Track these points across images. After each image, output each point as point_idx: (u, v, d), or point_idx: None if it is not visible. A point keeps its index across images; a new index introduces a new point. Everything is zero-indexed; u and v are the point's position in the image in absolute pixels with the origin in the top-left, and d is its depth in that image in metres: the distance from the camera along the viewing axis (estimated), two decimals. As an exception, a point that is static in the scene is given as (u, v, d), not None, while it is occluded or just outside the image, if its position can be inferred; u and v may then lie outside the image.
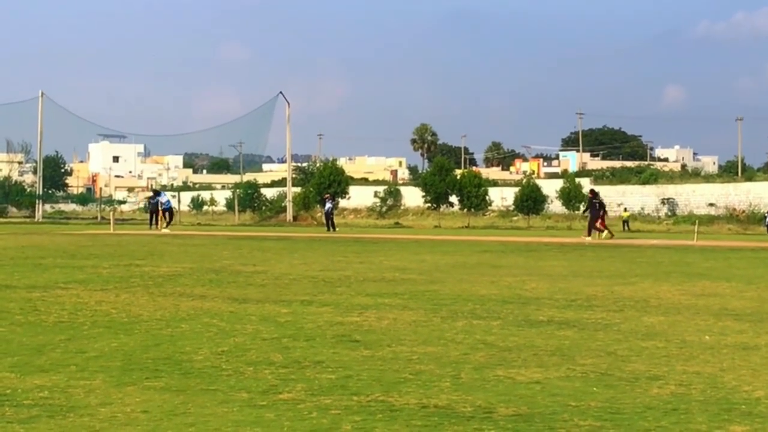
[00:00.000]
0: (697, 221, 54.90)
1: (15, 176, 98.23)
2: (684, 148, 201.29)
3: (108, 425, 6.94)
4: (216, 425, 6.95)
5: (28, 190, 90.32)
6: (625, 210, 72.13)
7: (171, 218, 53.67)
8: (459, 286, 17.74)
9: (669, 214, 79.46)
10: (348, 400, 7.75)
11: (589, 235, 42.91)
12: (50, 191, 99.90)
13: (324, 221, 59.92)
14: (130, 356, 9.73)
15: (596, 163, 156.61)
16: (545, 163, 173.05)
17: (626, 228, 64.28)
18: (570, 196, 74.66)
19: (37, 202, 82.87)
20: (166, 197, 55.38)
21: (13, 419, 7.08)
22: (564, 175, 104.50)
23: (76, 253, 27.71)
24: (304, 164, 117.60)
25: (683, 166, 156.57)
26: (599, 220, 45.12)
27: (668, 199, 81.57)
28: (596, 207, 44.24)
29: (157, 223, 54.41)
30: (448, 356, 9.85)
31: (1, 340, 10.76)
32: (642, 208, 79.90)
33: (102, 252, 28.19)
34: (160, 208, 55.53)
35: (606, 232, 44.51)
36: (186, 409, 7.42)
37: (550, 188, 77.05)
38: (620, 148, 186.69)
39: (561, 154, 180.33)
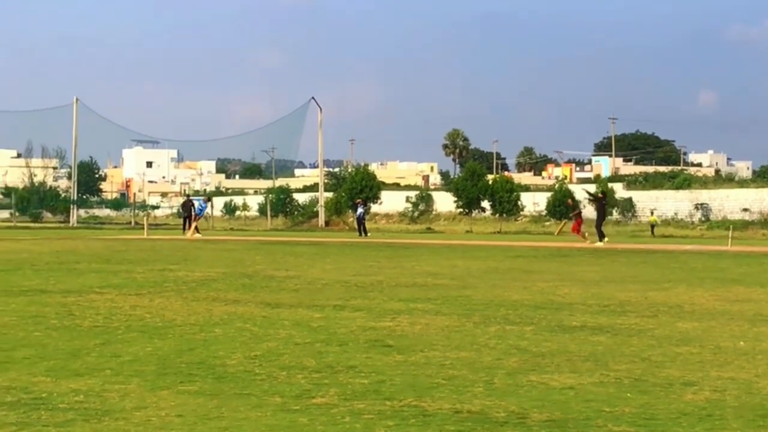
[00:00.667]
0: (731, 226, 54.62)
1: (50, 182, 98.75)
2: (718, 152, 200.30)
3: (142, 429, 6.98)
4: (249, 429, 6.98)
5: (63, 195, 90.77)
6: (652, 214, 71.76)
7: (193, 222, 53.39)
8: (491, 292, 17.71)
9: (702, 219, 79.09)
10: (381, 404, 7.76)
11: (601, 238, 42.48)
12: (85, 196, 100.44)
13: (356, 226, 59.95)
14: (165, 360, 9.77)
15: (629, 168, 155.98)
16: (578, 168, 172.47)
17: (652, 232, 64.00)
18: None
19: (71, 207, 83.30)
20: (199, 202, 55.45)
21: (48, 423, 7.12)
22: (597, 180, 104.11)
23: (111, 258, 27.84)
24: (336, 169, 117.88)
25: (717, 171, 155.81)
26: (578, 224, 45.43)
27: (702, 204, 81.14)
28: (603, 209, 44.06)
29: (190, 228, 54.57)
30: (481, 361, 9.84)
31: (36, 344, 10.82)
32: (675, 214, 79.57)
33: (136, 257, 28.31)
34: (193, 213, 55.70)
35: (580, 236, 45.27)
36: (220, 413, 7.45)
37: (583, 193, 76.77)
38: (653, 153, 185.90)
39: (594, 159, 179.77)
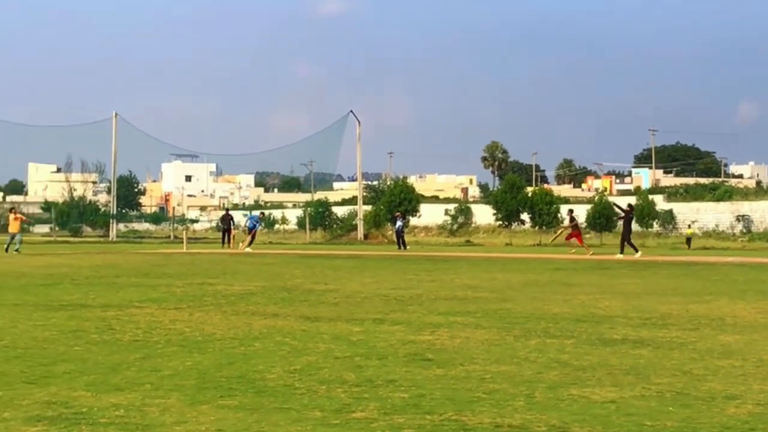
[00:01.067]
0: (772, 238, 54.20)
1: (89, 196, 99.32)
2: (759, 164, 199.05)
3: (183, 444, 6.98)
4: (290, 444, 6.96)
5: (103, 209, 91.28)
6: (689, 227, 71.29)
7: (252, 238, 52.62)
8: (531, 305, 17.64)
9: (744, 231, 78.49)
10: (421, 419, 7.73)
11: (635, 250, 42.21)
12: (124, 211, 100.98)
13: (395, 239, 59.90)
14: (204, 375, 9.77)
15: (669, 180, 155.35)
16: (617, 180, 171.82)
17: (689, 245, 63.55)
18: (643, 213, 74.06)
19: (111, 221, 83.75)
20: (251, 216, 55.08)
21: (89, 437, 7.14)
22: (637, 192, 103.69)
23: (150, 272, 27.95)
24: (375, 182, 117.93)
25: (758, 183, 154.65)
26: (578, 236, 45.55)
27: (743, 215, 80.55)
28: (630, 223, 43.96)
29: (229, 242, 54.64)
30: (521, 375, 9.79)
31: (77, 358, 10.86)
32: (716, 225, 78.99)
33: (175, 271, 28.41)
34: (232, 227, 55.83)
35: (580, 248, 45.90)
36: (260, 427, 7.44)
37: (623, 205, 76.42)
38: (694, 164, 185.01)
39: (633, 170, 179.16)
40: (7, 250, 42.92)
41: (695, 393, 8.89)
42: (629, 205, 48.06)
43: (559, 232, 50.71)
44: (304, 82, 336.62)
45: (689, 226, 71.73)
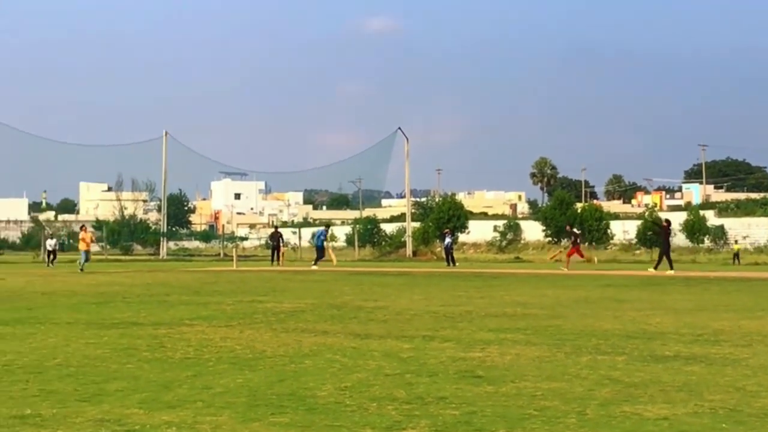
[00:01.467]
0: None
1: (140, 214, 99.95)
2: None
3: (235, 461, 7.00)
4: (341, 461, 6.97)
5: (153, 227, 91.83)
6: (736, 242, 70.67)
7: (320, 255, 51.00)
8: (582, 321, 17.57)
9: (796, 246, 77.79)
10: (472, 436, 7.71)
11: (671, 266, 41.94)
12: (174, 229, 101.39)
13: (444, 256, 59.82)
14: (255, 392, 9.80)
15: (720, 195, 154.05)
16: (668, 196, 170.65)
17: (736, 261, 62.95)
18: (694, 229, 73.64)
19: (161, 239, 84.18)
20: (319, 232, 54.19)
21: (142, 455, 7.18)
22: (687, 207, 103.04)
23: (201, 289, 28.08)
24: (423, 199, 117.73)
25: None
26: (577, 251, 45.56)
27: (795, 231, 79.86)
28: (668, 237, 43.69)
29: (278, 260, 54.73)
30: (572, 392, 9.75)
31: (129, 376, 10.92)
32: (768, 241, 78.32)
33: (225, 288, 28.52)
34: (281, 244, 55.91)
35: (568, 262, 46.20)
36: (311, 445, 7.45)
37: (674, 221, 75.99)
38: (745, 179, 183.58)
39: (684, 186, 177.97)
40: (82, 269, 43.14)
41: (748, 410, 8.82)
42: (666, 221, 47.79)
43: (558, 252, 49.99)
44: (352, 99, 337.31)
45: (736, 242, 71.12)
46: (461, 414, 8.62)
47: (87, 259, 44.59)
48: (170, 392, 9.84)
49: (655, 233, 48.75)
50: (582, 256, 46.20)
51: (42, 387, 10.21)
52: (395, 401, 9.24)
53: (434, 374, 10.92)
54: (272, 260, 55.95)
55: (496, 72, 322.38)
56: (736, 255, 65.09)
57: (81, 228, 52.80)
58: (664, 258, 42.63)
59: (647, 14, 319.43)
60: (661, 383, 10.29)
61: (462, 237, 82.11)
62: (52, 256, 57.23)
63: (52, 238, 62.97)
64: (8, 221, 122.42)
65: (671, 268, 41.43)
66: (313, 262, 49.71)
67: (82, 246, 46.03)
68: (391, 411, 8.76)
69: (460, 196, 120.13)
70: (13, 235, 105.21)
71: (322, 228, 57.64)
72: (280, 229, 61.03)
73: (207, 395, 9.64)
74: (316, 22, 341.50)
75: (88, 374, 11.06)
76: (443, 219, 75.53)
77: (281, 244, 56.64)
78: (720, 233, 78.61)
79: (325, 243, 52.64)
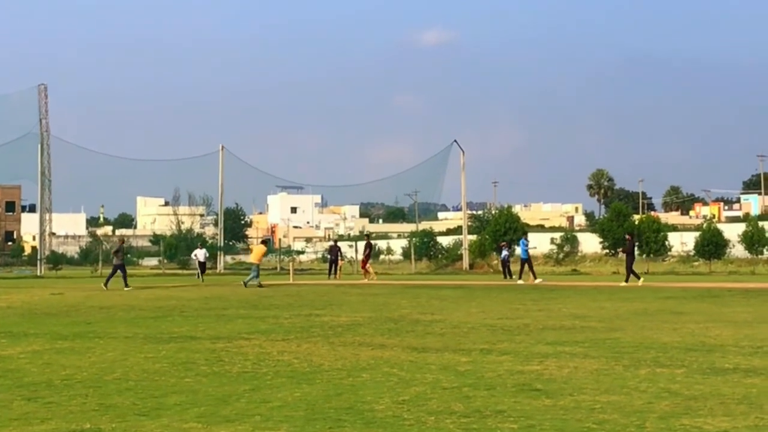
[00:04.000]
0: None
1: (197, 228, 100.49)
2: None
3: (293, 475, 7.01)
4: (399, 475, 6.96)
5: (210, 241, 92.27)
6: None
7: (530, 267, 46.88)
8: (640, 334, 17.46)
9: None
10: (531, 450, 7.68)
11: (637, 277, 41.56)
12: (231, 243, 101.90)
13: (501, 269, 59.59)
14: (313, 406, 9.82)
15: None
16: (726, 207, 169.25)
17: None
18: (753, 240, 72.87)
19: (218, 253, 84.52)
20: (522, 245, 49.05)
21: (200, 469, 7.20)
22: (746, 218, 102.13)
23: (258, 303, 28.16)
24: (480, 212, 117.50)
25: None
26: (365, 261, 48.30)
27: None
28: (632, 249, 43.23)
29: (335, 273, 54.78)
30: (631, 405, 9.69)
31: (187, 390, 10.98)
32: (828, 252, 77.32)
33: (282, 302, 28.59)
34: (340, 258, 55.92)
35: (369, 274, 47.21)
36: (369, 459, 7.45)
37: (732, 232, 75.26)
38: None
39: (742, 197, 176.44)
40: (246, 284, 40.38)
41: (811, 423, 8.72)
42: (630, 233, 47.87)
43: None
44: (407, 112, 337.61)
45: None
46: (519, 427, 8.59)
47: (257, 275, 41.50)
48: (228, 406, 9.88)
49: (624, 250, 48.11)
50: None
51: (101, 401, 10.29)
52: (453, 415, 9.22)
53: (492, 387, 10.89)
54: (329, 274, 56.00)
55: (552, 82, 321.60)
56: None
57: (263, 242, 50.21)
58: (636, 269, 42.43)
59: (705, 23, 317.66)
60: (721, 396, 10.20)
61: (518, 250, 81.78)
62: (201, 269, 53.26)
63: (201, 248, 59.19)
64: (66, 236, 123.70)
65: (637, 279, 41.10)
66: (532, 277, 45.49)
67: (255, 258, 42.91)
68: (449, 425, 8.74)
69: (517, 209, 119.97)
70: (72, 249, 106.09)
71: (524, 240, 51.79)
72: (338, 243, 61.12)
73: (265, 409, 9.67)
74: (372, 35, 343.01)
75: (146, 388, 11.13)
76: (500, 231, 75.21)
77: (339, 258, 56.67)
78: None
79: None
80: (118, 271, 39.22)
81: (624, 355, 13.99)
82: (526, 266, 44.27)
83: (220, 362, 13.55)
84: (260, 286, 39.49)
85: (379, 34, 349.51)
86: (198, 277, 51.78)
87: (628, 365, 12.81)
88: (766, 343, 15.58)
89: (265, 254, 44.98)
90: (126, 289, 37.16)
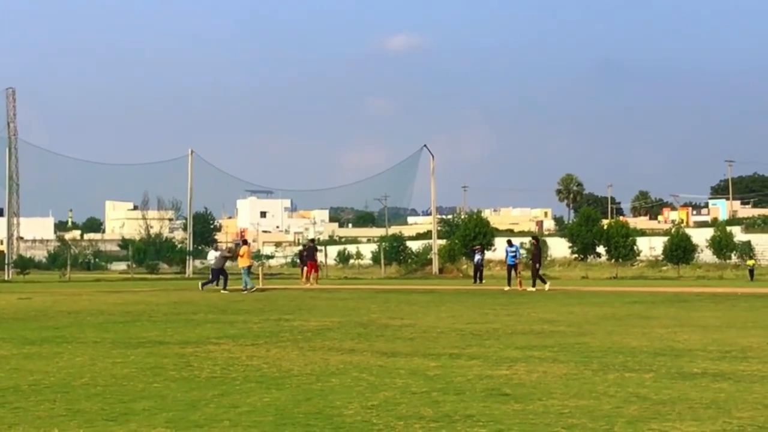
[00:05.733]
0: None
1: (166, 233, 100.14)
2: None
3: (262, 480, 6.99)
4: (368, 480, 6.95)
5: (179, 246, 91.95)
6: (750, 258, 70.00)
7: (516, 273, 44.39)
8: (609, 338, 17.52)
9: (824, 262, 77.32)
10: (500, 454, 7.69)
11: (533, 284, 41.60)
12: (200, 247, 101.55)
13: (472, 273, 59.63)
14: (282, 411, 9.80)
15: (747, 211, 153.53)
16: (694, 212, 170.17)
17: (752, 277, 62.37)
18: (721, 245, 73.32)
19: (187, 258, 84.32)
20: (512, 249, 45.25)
21: (169, 474, 7.18)
22: (714, 223, 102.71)
23: (227, 308, 28.11)
24: (449, 216, 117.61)
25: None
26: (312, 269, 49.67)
27: (823, 246, 79.39)
28: (537, 255, 43.37)
29: (308, 278, 54.69)
30: (600, 410, 9.72)
31: (156, 395, 10.94)
32: (797, 257, 77.90)
33: (252, 307, 28.54)
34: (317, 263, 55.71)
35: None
36: (338, 464, 7.44)
37: (700, 237, 75.76)
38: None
39: (710, 202, 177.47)
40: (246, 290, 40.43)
41: (778, 427, 8.77)
42: (535, 238, 48.66)
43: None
44: (377, 117, 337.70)
45: (750, 257, 70.39)
46: (489, 432, 8.60)
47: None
48: (197, 411, 9.85)
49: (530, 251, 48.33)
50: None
51: (69, 406, 10.23)
52: (422, 419, 9.22)
53: (461, 392, 10.90)
54: (303, 276, 55.73)
55: (521, 88, 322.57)
56: (752, 271, 64.43)
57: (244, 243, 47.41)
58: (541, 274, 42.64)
59: (674, 30, 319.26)
60: (689, 400, 10.24)
61: (488, 254, 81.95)
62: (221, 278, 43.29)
63: (216, 250, 54.48)
64: (35, 240, 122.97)
65: (543, 284, 41.06)
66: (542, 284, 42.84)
67: (244, 262, 42.21)
68: (419, 429, 8.75)
69: (486, 213, 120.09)
70: (40, 254, 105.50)
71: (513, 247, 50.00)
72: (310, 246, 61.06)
73: (234, 414, 9.64)
74: (340, 40, 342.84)
75: (114, 393, 11.08)
76: (469, 236, 75.42)
77: (316, 260, 56.59)
78: (747, 249, 78.19)
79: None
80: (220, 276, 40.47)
81: (593, 360, 14.04)
82: (513, 273, 43.96)
83: (189, 367, 13.50)
84: (225, 290, 40.04)
85: (348, 39, 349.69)
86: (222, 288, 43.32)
87: (596, 370, 12.86)
88: (733, 348, 15.66)
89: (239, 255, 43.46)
90: (223, 291, 39.14)
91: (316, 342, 17.23)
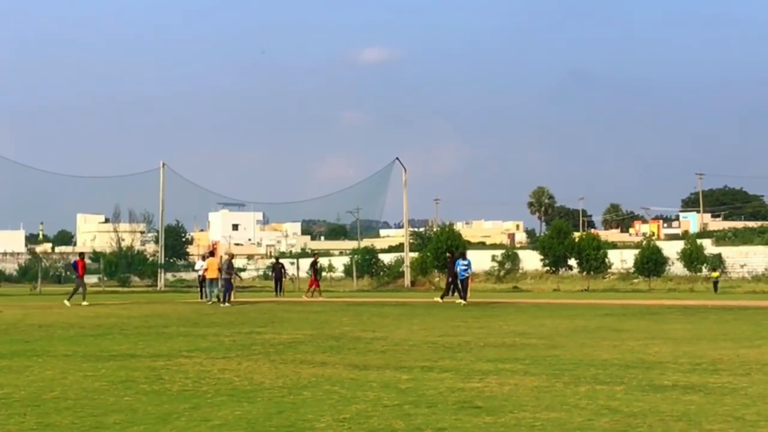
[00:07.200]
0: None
1: (137, 246, 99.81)
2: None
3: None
4: (340, 494, 6.95)
5: (150, 259, 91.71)
6: (714, 270, 70.19)
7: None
8: (580, 351, 17.56)
9: (794, 274, 77.62)
10: (472, 467, 7.70)
11: (444, 295, 42.23)
12: (172, 260, 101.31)
13: (443, 286, 59.59)
14: (254, 424, 9.78)
15: (717, 224, 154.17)
16: (665, 225, 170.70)
17: (716, 290, 62.55)
18: (692, 257, 73.58)
19: (159, 270, 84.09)
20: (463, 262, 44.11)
21: (140, 488, 7.16)
22: (685, 236, 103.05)
23: (199, 321, 28.05)
24: (421, 229, 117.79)
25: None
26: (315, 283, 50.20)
27: (793, 259, 79.69)
28: (453, 268, 43.43)
29: (281, 291, 54.68)
30: (571, 422, 9.74)
31: (127, 409, 10.90)
32: (766, 269, 78.20)
33: (223, 320, 28.49)
34: (283, 276, 55.72)
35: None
36: (310, 477, 7.44)
37: (671, 250, 75.99)
38: (742, 208, 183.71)
39: (681, 215, 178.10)
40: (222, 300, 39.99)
41: (748, 439, 8.81)
42: (450, 251, 49.35)
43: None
44: (349, 130, 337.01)
45: (714, 270, 70.51)
46: (460, 445, 8.61)
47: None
48: (168, 425, 9.82)
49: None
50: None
51: (39, 420, 10.19)
52: (394, 432, 9.22)
53: (433, 405, 10.90)
54: (276, 292, 55.74)
55: (492, 101, 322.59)
56: (716, 283, 64.61)
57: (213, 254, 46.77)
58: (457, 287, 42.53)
59: (644, 43, 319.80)
60: (660, 413, 10.28)
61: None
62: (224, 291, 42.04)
63: (204, 260, 48.91)
64: (5, 253, 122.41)
65: (461, 297, 40.91)
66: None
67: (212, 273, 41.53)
68: (390, 442, 8.75)
69: (458, 226, 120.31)
70: (10, 267, 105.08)
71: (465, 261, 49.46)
72: (281, 260, 61.04)
73: (205, 428, 9.62)
74: (312, 52, 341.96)
75: (85, 407, 11.04)
76: (441, 249, 75.45)
77: (283, 276, 56.69)
78: (717, 262, 78.54)
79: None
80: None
81: (564, 372, 14.07)
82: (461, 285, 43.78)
83: (160, 380, 13.47)
84: (205, 299, 40.22)
85: (320, 52, 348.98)
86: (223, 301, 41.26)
87: (568, 382, 12.89)
88: (704, 360, 15.73)
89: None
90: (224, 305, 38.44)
91: (288, 355, 17.22)
